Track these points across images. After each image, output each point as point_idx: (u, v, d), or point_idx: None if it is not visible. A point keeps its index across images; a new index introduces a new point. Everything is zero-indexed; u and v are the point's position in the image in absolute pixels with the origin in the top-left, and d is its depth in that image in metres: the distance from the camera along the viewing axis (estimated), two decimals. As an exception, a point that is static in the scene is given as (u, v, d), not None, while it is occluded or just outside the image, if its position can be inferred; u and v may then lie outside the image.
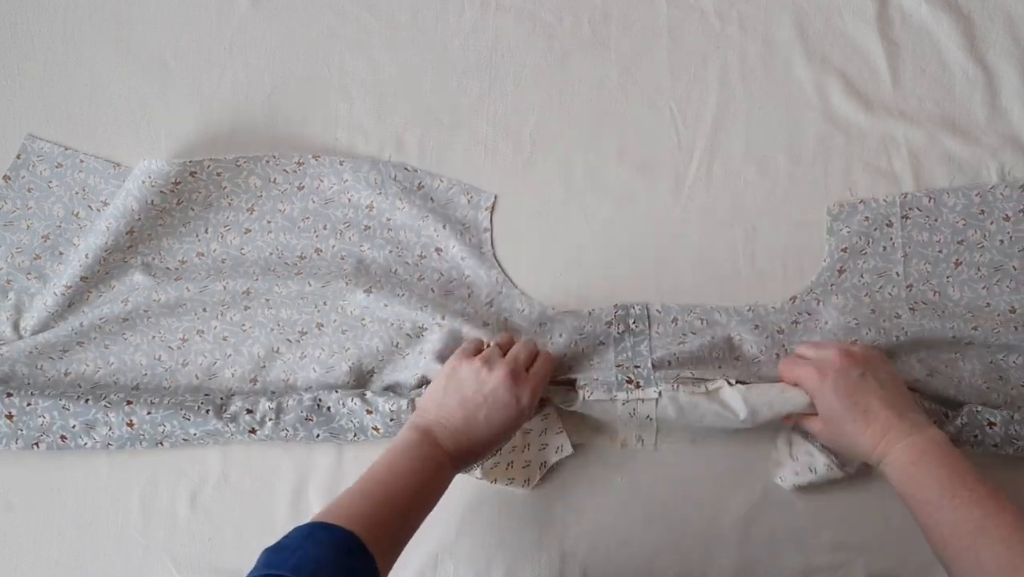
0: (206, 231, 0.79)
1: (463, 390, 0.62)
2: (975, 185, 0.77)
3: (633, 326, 0.73)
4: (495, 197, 0.79)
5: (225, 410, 0.70)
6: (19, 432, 0.70)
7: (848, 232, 0.77)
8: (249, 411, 0.69)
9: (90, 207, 0.81)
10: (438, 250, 0.77)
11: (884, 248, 0.76)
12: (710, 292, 0.77)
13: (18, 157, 0.82)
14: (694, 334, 0.72)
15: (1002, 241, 0.75)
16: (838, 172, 0.80)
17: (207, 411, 0.69)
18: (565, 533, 0.71)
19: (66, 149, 0.83)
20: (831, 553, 0.70)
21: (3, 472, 0.74)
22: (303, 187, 0.80)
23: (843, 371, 0.62)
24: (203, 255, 0.79)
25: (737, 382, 0.67)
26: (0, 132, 0.84)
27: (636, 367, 0.69)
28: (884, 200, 0.77)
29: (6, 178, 0.82)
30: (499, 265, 0.77)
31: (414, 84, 0.84)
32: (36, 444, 0.71)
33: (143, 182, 0.77)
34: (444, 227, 0.78)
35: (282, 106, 0.84)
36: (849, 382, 0.62)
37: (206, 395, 0.71)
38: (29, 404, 0.70)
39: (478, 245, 0.78)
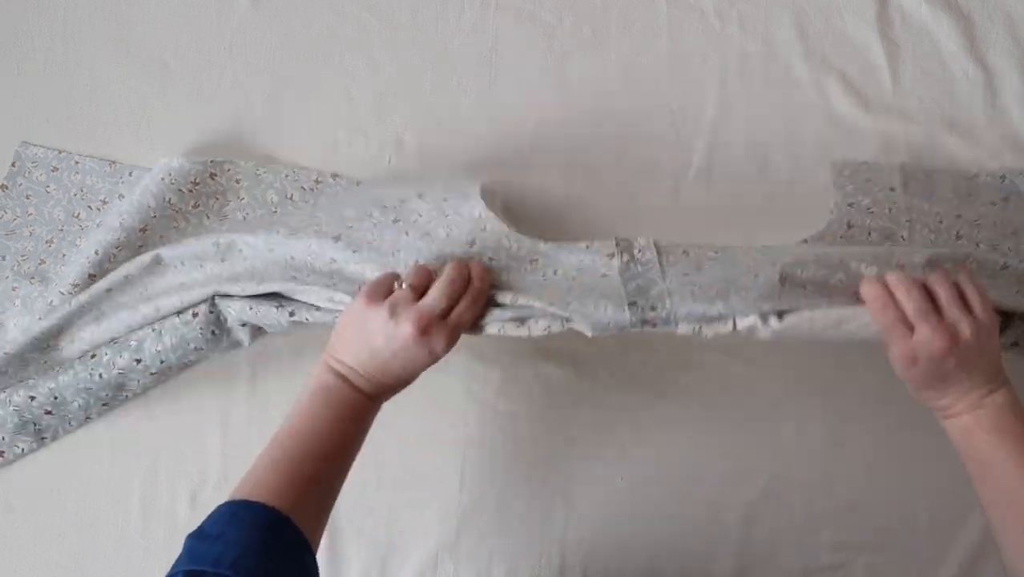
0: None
1: (372, 341, 0.57)
2: (959, 172, 0.77)
3: (638, 255, 0.63)
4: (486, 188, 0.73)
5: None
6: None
7: (853, 188, 0.74)
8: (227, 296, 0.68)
9: (90, 207, 0.81)
10: (420, 195, 0.71)
11: (889, 210, 0.72)
12: (710, 292, 0.77)
13: (13, 165, 0.82)
14: (710, 260, 0.63)
15: (995, 223, 0.74)
16: (838, 172, 0.80)
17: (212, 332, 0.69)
18: (565, 533, 0.71)
19: (60, 152, 0.83)
20: (831, 553, 0.70)
21: (3, 473, 0.74)
22: (317, 207, 0.79)
23: (939, 361, 0.57)
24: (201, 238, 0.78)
25: (777, 314, 0.59)
26: (0, 133, 0.84)
27: (652, 308, 0.60)
28: (886, 166, 0.76)
29: (3, 187, 0.81)
30: (484, 202, 0.69)
31: (414, 84, 0.84)
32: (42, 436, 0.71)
33: (163, 179, 0.77)
34: (433, 183, 0.72)
35: (282, 106, 0.84)
36: (942, 370, 0.57)
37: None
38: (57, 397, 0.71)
39: (464, 188, 0.70)
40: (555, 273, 0.64)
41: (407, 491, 0.73)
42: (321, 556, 0.72)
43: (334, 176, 0.80)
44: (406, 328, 0.56)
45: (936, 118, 0.80)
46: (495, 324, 0.61)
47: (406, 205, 0.69)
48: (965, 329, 0.56)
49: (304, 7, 0.86)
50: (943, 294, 0.58)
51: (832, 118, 0.81)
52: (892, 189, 0.74)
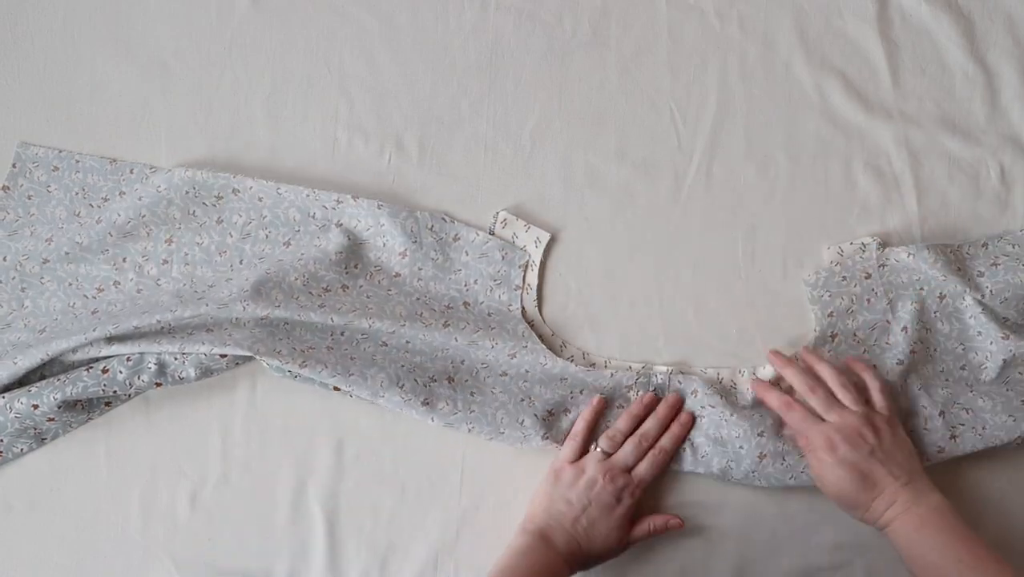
0: (240, 262, 0.78)
1: (567, 495, 0.66)
2: (943, 244, 0.75)
3: (654, 394, 0.72)
4: (528, 256, 0.78)
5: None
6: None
7: (830, 296, 0.74)
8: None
9: (91, 205, 0.81)
10: (466, 304, 0.77)
11: (868, 300, 0.74)
12: (709, 292, 0.77)
13: (14, 166, 0.82)
14: (712, 408, 0.71)
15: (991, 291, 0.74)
16: (838, 172, 0.80)
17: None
18: (565, 533, 0.71)
19: (60, 152, 0.82)
20: (831, 553, 0.70)
21: (3, 473, 0.74)
22: (341, 224, 0.79)
23: (855, 446, 0.63)
24: (231, 281, 0.77)
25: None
26: (0, 133, 0.84)
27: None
28: (860, 256, 0.75)
29: (5, 188, 0.81)
30: (526, 321, 0.76)
31: (414, 84, 0.84)
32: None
33: (187, 192, 0.78)
34: (476, 282, 0.77)
35: (282, 106, 0.84)
36: (859, 457, 0.62)
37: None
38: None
39: (507, 303, 0.77)
40: (581, 393, 0.72)
41: (407, 491, 0.73)
42: (321, 556, 0.72)
43: (355, 198, 0.78)
44: (594, 476, 0.67)
45: (936, 118, 0.80)
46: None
47: (452, 312, 0.76)
48: (873, 414, 0.65)
49: (304, 7, 0.86)
50: (831, 381, 0.67)
51: (832, 118, 0.81)
52: (868, 276, 0.74)
